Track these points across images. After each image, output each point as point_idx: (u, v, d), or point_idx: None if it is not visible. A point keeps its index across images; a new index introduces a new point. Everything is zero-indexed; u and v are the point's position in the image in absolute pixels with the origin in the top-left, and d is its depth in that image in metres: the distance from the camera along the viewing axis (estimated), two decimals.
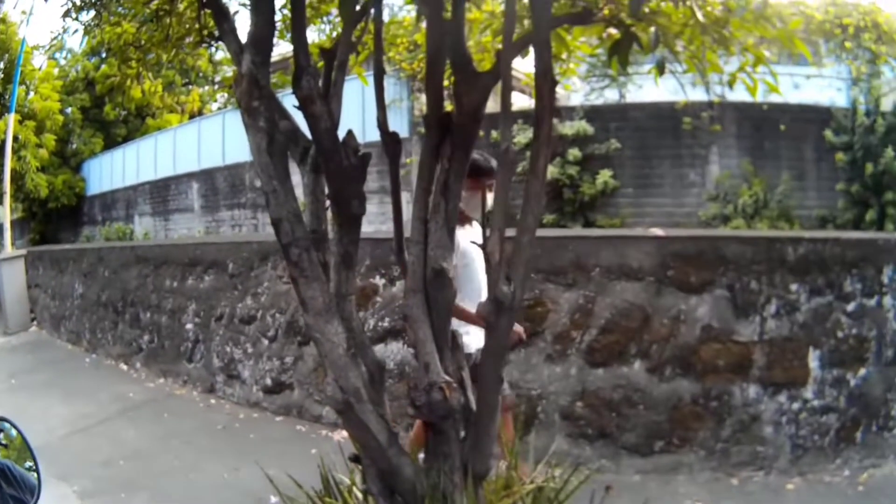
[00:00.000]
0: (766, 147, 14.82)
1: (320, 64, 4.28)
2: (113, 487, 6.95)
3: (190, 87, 32.14)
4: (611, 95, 15.45)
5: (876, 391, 6.95)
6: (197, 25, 4.94)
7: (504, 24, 3.98)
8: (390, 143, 4.09)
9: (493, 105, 4.11)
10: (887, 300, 7.05)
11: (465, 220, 5.01)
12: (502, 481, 4.32)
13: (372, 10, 4.41)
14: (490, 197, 3.52)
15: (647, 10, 4.12)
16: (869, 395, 6.92)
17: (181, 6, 4.99)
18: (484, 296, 3.81)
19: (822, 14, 16.81)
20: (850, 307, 6.93)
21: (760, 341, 6.83)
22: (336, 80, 4.16)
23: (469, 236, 4.93)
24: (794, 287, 6.86)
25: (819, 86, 16.00)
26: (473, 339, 4.81)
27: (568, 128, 14.47)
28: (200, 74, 31.92)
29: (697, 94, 14.73)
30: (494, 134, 14.83)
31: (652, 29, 4.22)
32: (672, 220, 14.32)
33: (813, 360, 6.84)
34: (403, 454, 3.94)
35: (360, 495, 4.29)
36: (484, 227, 4.88)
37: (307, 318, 3.90)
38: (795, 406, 6.80)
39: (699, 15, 3.95)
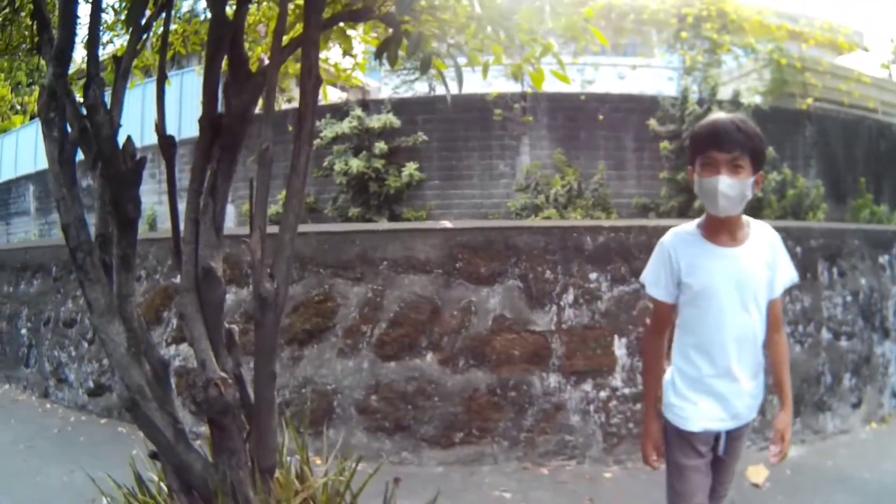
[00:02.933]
0: (583, 137, 14.93)
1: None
2: None
3: (33, 87, 31.32)
4: (421, 88, 15.50)
5: None
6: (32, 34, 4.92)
7: (276, 24, 4.06)
8: (166, 146, 4.08)
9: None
10: None
11: None
12: (293, 475, 4.32)
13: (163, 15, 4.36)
14: None
15: (424, 5, 4.26)
16: None
17: (23, 16, 5.05)
18: None
19: (658, 3, 17.13)
20: None
21: (558, 330, 6.87)
22: (118, 88, 4.08)
23: None
24: (593, 276, 6.91)
25: (648, 76, 16.26)
26: None
27: (375, 121, 14.44)
28: (43, 75, 31.16)
29: (511, 86, 14.92)
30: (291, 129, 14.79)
31: (423, 29, 4.27)
32: (480, 212, 14.45)
33: (619, 347, 6.89)
34: (192, 450, 3.95)
35: (163, 492, 4.26)
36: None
37: (92, 319, 3.92)
38: (603, 394, 6.83)
39: (477, 8, 4.11)
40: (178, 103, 16.80)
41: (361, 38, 5.33)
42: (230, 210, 15.09)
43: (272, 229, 3.87)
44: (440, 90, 14.76)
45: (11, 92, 25.27)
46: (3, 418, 9.69)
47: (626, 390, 6.88)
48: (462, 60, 4.65)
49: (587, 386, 6.84)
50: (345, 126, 14.41)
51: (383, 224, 9.18)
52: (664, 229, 7.07)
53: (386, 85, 15.96)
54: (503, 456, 6.74)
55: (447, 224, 7.57)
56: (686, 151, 3.42)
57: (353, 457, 4.80)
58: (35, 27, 4.37)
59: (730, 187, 3.18)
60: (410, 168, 14.33)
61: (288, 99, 15.83)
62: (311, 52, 3.96)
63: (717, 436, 3.53)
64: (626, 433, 6.84)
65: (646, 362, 4.05)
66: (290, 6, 4.38)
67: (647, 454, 3.76)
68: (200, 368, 3.84)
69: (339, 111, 14.99)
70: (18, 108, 29.14)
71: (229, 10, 4.09)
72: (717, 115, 3.36)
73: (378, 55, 4.44)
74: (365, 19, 4.54)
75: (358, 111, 14.61)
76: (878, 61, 28.61)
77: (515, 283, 6.90)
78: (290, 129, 14.97)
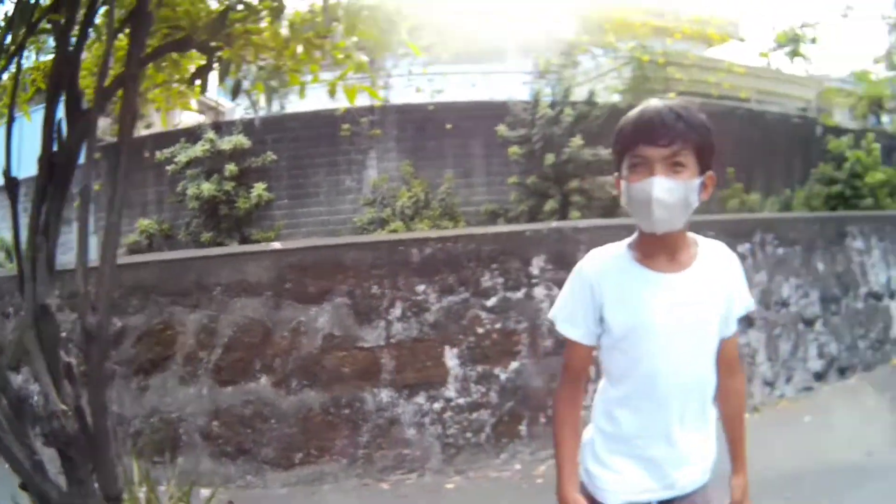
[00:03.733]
0: (431, 147, 14.82)
1: None
2: None
3: None
4: (273, 108, 15.31)
5: (535, 383, 6.99)
6: None
7: (101, 63, 4.10)
8: (10, 186, 4.15)
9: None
10: (538, 291, 7.11)
11: None
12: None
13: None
14: None
15: (239, 29, 4.34)
16: (527, 388, 6.96)
17: None
18: None
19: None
20: (490, 302, 6.96)
21: (388, 345, 6.81)
22: None
23: None
24: (420, 288, 6.86)
25: (504, 82, 16.28)
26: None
27: (226, 143, 14.22)
28: None
29: (361, 100, 14.84)
30: (158, 155, 14.54)
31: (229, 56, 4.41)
32: (327, 229, 14.31)
33: (450, 358, 6.84)
34: (48, 480, 3.98)
35: None
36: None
37: None
38: (437, 406, 6.80)
39: (284, 30, 4.27)
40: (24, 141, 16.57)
41: (197, 64, 5.10)
42: (94, 240, 14.90)
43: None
44: (290, 108, 14.75)
45: None
46: None
47: (461, 400, 6.85)
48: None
49: (420, 399, 6.79)
50: (198, 149, 14.18)
51: (215, 249, 9.02)
52: (495, 237, 7.04)
53: (238, 105, 15.74)
54: (343, 474, 6.68)
55: (276, 245, 7.53)
56: (615, 155, 2.70)
57: (200, 482, 5.25)
58: None
59: (668, 192, 2.46)
60: (259, 189, 14.13)
61: (147, 125, 15.59)
62: (130, 87, 4.01)
63: None
64: (464, 443, 6.81)
65: (556, 417, 2.95)
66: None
67: None
68: (44, 402, 3.88)
69: (193, 135, 14.79)
70: None
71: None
72: (648, 101, 2.61)
73: (190, 82, 4.60)
74: (185, 49, 4.51)
75: (210, 134, 14.38)
76: (759, 50, 29.05)
77: (343, 301, 6.83)
78: (147, 155, 14.76)
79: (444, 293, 6.91)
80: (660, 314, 2.62)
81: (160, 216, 15.17)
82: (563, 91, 14.39)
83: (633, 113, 2.59)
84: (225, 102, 17.69)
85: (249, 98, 4.88)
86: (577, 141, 13.05)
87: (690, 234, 2.72)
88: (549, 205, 13.09)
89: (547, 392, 6.96)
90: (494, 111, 14.46)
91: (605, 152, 13.15)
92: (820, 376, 9.03)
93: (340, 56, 4.57)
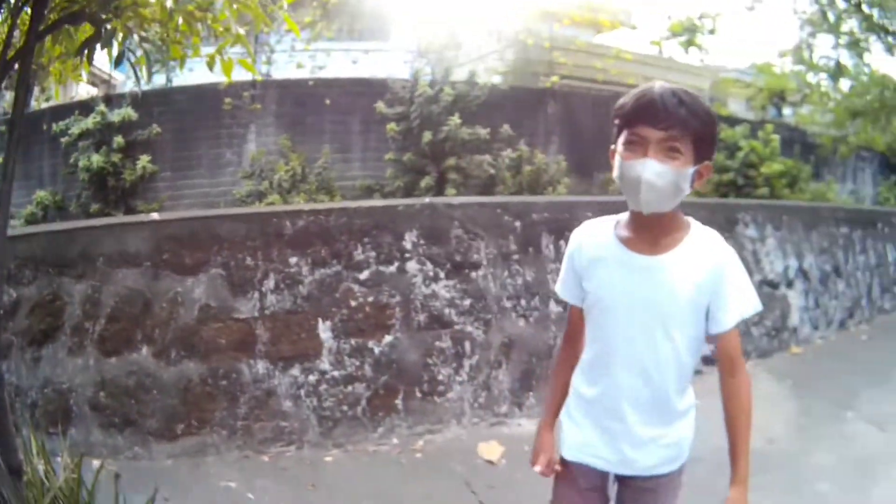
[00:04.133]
0: (310, 122, 14.90)
1: None
2: None
3: None
4: (159, 80, 15.25)
5: (411, 357, 7.07)
6: None
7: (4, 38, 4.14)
8: None
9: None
10: (411, 265, 7.18)
11: None
12: (38, 478, 4.36)
13: None
14: None
15: (128, 1, 4.30)
16: (402, 362, 7.03)
17: None
18: None
19: None
20: (363, 276, 7.03)
21: (262, 317, 6.82)
22: None
23: None
24: (293, 260, 6.89)
25: (386, 60, 16.33)
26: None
27: (115, 115, 14.22)
28: None
29: (245, 74, 14.87)
30: (55, 127, 14.45)
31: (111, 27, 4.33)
32: (207, 201, 14.31)
33: (323, 331, 6.88)
34: None
35: None
36: None
37: None
38: (312, 378, 6.83)
39: (168, 3, 4.19)
40: None
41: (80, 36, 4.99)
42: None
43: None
44: (177, 81, 14.71)
45: None
46: None
47: (336, 373, 6.87)
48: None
49: (295, 371, 6.82)
50: (89, 122, 14.18)
51: (99, 220, 8.96)
52: (368, 211, 7.12)
53: (129, 79, 15.65)
54: (224, 445, 6.65)
55: (155, 216, 7.49)
56: (613, 128, 2.63)
57: (91, 453, 5.27)
58: None
59: (658, 175, 2.52)
60: (143, 161, 14.12)
61: (46, 98, 15.42)
62: (26, 61, 4.00)
63: (604, 476, 2.97)
64: (340, 416, 6.84)
65: (551, 370, 3.42)
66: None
67: (533, 461, 3.16)
68: None
69: (86, 107, 14.77)
70: None
71: None
72: (653, 83, 2.68)
73: (77, 53, 4.51)
74: (78, 22, 4.45)
75: (101, 106, 14.37)
76: (651, 38, 29.34)
77: (218, 272, 6.83)
78: (45, 128, 14.68)
79: (316, 265, 6.92)
80: (622, 293, 2.76)
81: (55, 188, 15.16)
82: (443, 71, 14.46)
83: (636, 90, 2.70)
84: (118, 76, 17.57)
85: (134, 70, 4.94)
86: (455, 120, 13.17)
87: (685, 219, 2.79)
88: (425, 181, 13.26)
89: (422, 366, 7.08)
90: (375, 88, 14.57)
91: (483, 131, 13.35)
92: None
93: (220, 29, 4.54)
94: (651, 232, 2.72)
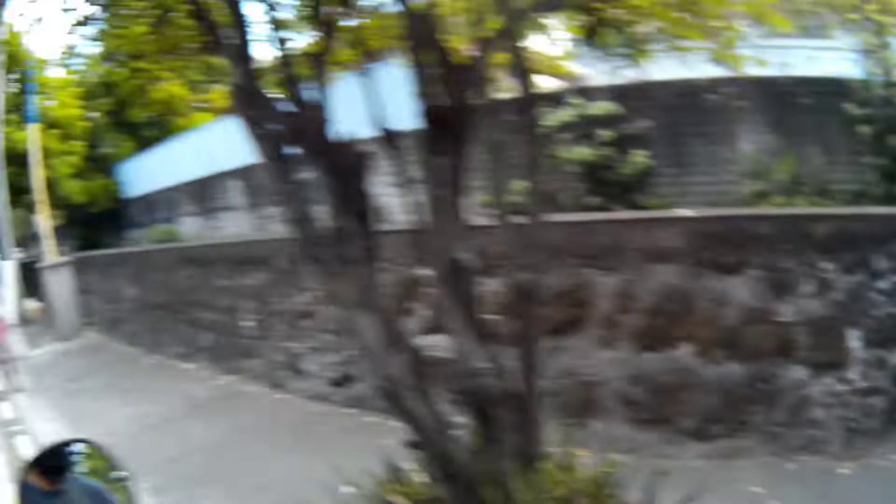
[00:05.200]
0: (790, 122, 14.53)
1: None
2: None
3: (214, 84, 31.86)
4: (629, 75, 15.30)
5: None
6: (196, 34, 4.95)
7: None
8: (390, 139, 4.31)
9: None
10: None
11: None
12: (557, 467, 4.42)
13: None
14: None
15: None
16: None
17: (179, 16, 4.97)
18: None
19: None
20: (883, 284, 6.96)
21: (801, 322, 6.84)
22: (321, 84, 4.35)
23: None
24: (825, 266, 6.86)
25: (831, 59, 15.90)
26: None
27: (595, 108, 14.24)
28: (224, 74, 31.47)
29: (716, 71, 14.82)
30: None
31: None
32: (710, 199, 13.85)
33: (852, 339, 6.84)
34: (454, 440, 4.17)
35: (421, 480, 4.48)
36: None
37: (339, 311, 4.27)
38: (841, 388, 6.80)
39: None
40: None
41: (568, 28, 5.45)
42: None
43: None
44: (654, 76, 14.65)
45: (190, 90, 26.18)
46: (235, 408, 10.25)
47: (862, 384, 6.84)
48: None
49: (828, 379, 6.83)
50: (566, 114, 14.19)
51: (622, 214, 9.20)
52: (885, 217, 7.10)
53: (596, 72, 15.82)
54: (759, 450, 6.74)
55: (688, 212, 7.66)
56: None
57: (612, 448, 5.19)
58: (199, 27, 4.62)
59: None
60: (638, 155, 14.05)
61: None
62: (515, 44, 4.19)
63: None
64: (861, 428, 6.83)
65: None
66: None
67: None
68: (462, 359, 4.05)
69: (552, 100, 14.48)
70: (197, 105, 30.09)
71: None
72: None
73: (588, 38, 4.79)
74: (563, 7, 4.68)
75: (577, 99, 14.40)
76: None
77: (757, 273, 6.88)
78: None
79: (845, 272, 6.86)
80: None
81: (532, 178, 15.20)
82: (884, 72, 13.95)
83: None
84: (579, 70, 17.80)
85: (613, 63, 5.00)
86: None
87: None
88: None
89: None
90: (840, 88, 14.19)
91: None
92: None
93: (714, 24, 4.56)
94: None
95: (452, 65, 4.13)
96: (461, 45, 4.56)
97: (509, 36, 4.18)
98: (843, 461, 6.57)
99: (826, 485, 6.24)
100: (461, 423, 4.28)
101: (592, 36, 4.75)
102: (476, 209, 4.61)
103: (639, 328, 7.06)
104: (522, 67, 4.27)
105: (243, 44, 4.23)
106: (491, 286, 6.63)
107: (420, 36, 4.12)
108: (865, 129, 13.26)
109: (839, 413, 6.77)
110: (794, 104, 14.37)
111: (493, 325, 4.25)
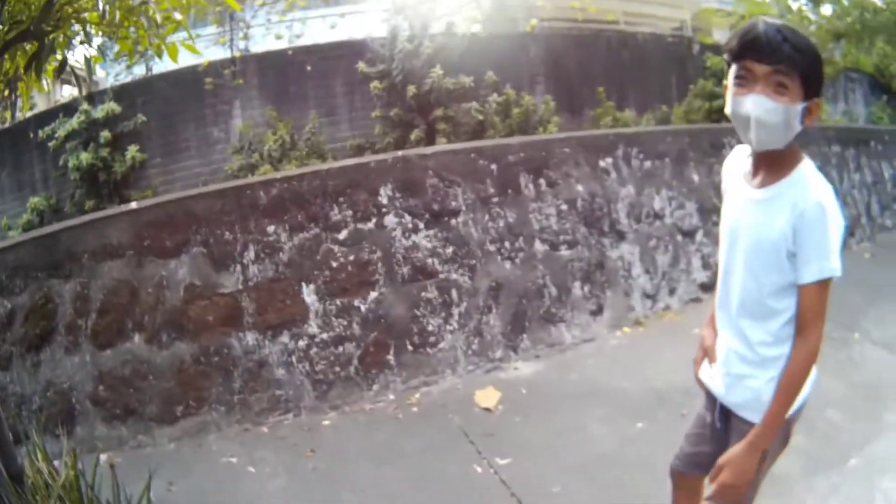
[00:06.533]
0: (293, 91, 14.81)
1: None
2: None
3: None
4: (139, 71, 15.39)
5: (397, 311, 7.11)
6: None
7: None
8: None
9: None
10: (389, 219, 7.22)
11: None
12: (39, 477, 4.54)
13: None
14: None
15: (69, 11, 4.45)
16: (389, 317, 7.07)
17: None
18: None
19: None
20: (342, 235, 7.05)
21: (246, 289, 6.85)
22: None
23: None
24: (270, 229, 6.91)
25: (363, 22, 16.20)
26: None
27: (100, 111, 14.10)
28: None
29: (222, 53, 14.87)
30: (41, 133, 14.54)
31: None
32: (201, 180, 14.17)
33: (307, 295, 6.91)
34: None
35: None
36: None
37: None
38: (302, 343, 6.85)
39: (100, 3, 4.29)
40: None
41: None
42: None
43: None
44: (156, 69, 14.69)
45: None
46: None
47: (325, 336, 6.91)
48: None
49: (285, 338, 6.85)
50: (74, 122, 14.06)
51: (79, 218, 8.94)
52: (340, 171, 7.10)
53: (109, 74, 15.64)
54: (224, 421, 6.70)
55: (133, 205, 7.49)
56: (726, 64, 2.68)
57: (98, 448, 5.40)
58: None
59: (768, 112, 2.58)
60: (132, 151, 14.00)
61: (31, 106, 15.32)
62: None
63: (715, 400, 3.14)
64: (334, 378, 6.88)
65: None
66: None
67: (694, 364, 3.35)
68: None
69: (70, 108, 14.67)
70: None
71: None
72: (758, 18, 2.69)
73: (26, 70, 4.57)
74: (26, 41, 4.50)
75: (85, 105, 14.20)
76: None
77: (199, 250, 6.85)
78: (31, 135, 14.62)
79: (294, 231, 6.94)
80: (727, 223, 2.96)
81: (47, 192, 15.05)
82: (421, 25, 14.34)
83: (742, 27, 2.73)
84: (99, 72, 17.55)
85: (76, 74, 5.03)
86: (438, 71, 13.04)
87: (797, 157, 2.76)
88: (415, 134, 13.19)
89: (410, 319, 7.13)
90: (354, 50, 14.44)
91: (467, 80, 13.21)
92: (707, 287, 9.12)
93: (159, 18, 4.57)
94: (762, 167, 2.81)
95: None
96: None
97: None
98: (324, 413, 6.76)
99: (306, 439, 6.33)
100: None
101: (41, 62, 4.52)
102: None
103: (94, 327, 6.87)
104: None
105: None
106: None
107: None
108: (378, 85, 13.40)
109: (305, 368, 6.86)
110: (298, 73, 14.67)
111: None
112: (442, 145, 10.93)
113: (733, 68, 2.69)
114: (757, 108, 2.58)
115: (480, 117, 13.42)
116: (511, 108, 13.99)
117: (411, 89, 13.09)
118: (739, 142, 2.86)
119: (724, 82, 2.79)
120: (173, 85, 14.58)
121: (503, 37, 16.00)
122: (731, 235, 2.92)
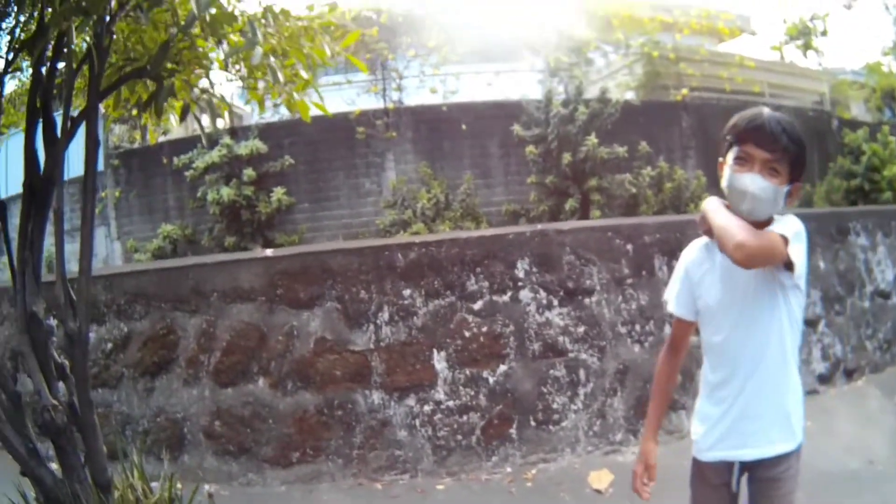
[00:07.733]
0: (448, 148, 14.82)
1: None
2: None
3: None
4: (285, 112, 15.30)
5: (524, 386, 7.04)
6: None
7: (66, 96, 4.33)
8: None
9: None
10: (524, 293, 7.16)
11: None
12: (130, 492, 4.80)
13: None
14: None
15: (188, 56, 4.60)
16: (516, 391, 7.00)
17: None
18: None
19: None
20: (477, 305, 7.04)
21: (377, 349, 6.90)
22: None
23: None
24: (406, 292, 6.96)
25: (517, 81, 16.17)
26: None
27: (243, 147, 14.20)
28: None
29: (374, 102, 14.94)
30: (176, 161, 14.56)
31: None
32: (350, 231, 14.31)
33: (438, 361, 6.92)
34: (43, 466, 4.36)
35: None
36: None
37: None
38: (427, 408, 6.87)
39: (221, 53, 4.36)
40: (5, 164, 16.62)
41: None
42: (118, 246, 14.77)
43: None
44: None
45: None
46: None
47: (450, 403, 6.91)
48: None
49: (410, 401, 6.88)
50: (215, 155, 14.18)
51: (211, 257, 9.05)
52: (478, 240, 7.10)
53: (253, 110, 15.83)
54: (339, 473, 6.77)
55: (267, 252, 7.68)
56: (724, 143, 3.10)
57: (206, 479, 5.57)
58: None
59: (762, 190, 2.92)
60: (279, 193, 14.10)
61: (164, 131, 15.68)
62: (91, 118, 4.30)
63: (730, 468, 3.30)
64: (455, 445, 6.87)
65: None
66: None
67: (633, 478, 3.54)
68: (37, 397, 4.27)
69: (209, 140, 14.43)
70: None
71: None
72: (762, 108, 3.07)
73: (144, 109, 4.76)
74: (139, 79, 4.69)
75: (227, 139, 14.37)
76: (770, 44, 28.79)
77: (333, 305, 6.96)
78: (165, 161, 14.84)
79: (429, 297, 6.98)
80: (714, 297, 3.18)
81: (182, 221, 15.23)
82: (575, 89, 14.34)
83: (747, 113, 3.03)
84: (241, 107, 17.74)
85: (198, 121, 5.10)
86: (593, 140, 13.07)
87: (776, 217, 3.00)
88: (570, 203, 13.21)
89: (536, 395, 7.06)
90: (509, 110, 14.48)
91: (621, 150, 13.22)
92: (825, 379, 8.81)
93: (289, 74, 4.66)
94: None
95: (49, 136, 4.36)
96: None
97: (90, 112, 4.38)
98: (440, 478, 6.78)
99: (418, 501, 6.39)
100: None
101: (158, 102, 4.55)
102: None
103: (217, 366, 7.06)
104: (95, 140, 4.44)
105: None
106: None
107: (32, 109, 4.35)
108: (533, 149, 13.40)
109: (427, 432, 6.88)
110: (452, 130, 14.60)
111: (66, 367, 4.54)
112: (579, 221, 10.90)
113: (735, 149, 2.99)
114: (753, 185, 2.89)
115: (634, 190, 13.39)
116: (663, 182, 13.89)
117: (566, 157, 13.07)
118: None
119: (721, 159, 3.09)
120: (323, 130, 14.57)
121: (654, 105, 15.99)
122: (730, 304, 3.12)
